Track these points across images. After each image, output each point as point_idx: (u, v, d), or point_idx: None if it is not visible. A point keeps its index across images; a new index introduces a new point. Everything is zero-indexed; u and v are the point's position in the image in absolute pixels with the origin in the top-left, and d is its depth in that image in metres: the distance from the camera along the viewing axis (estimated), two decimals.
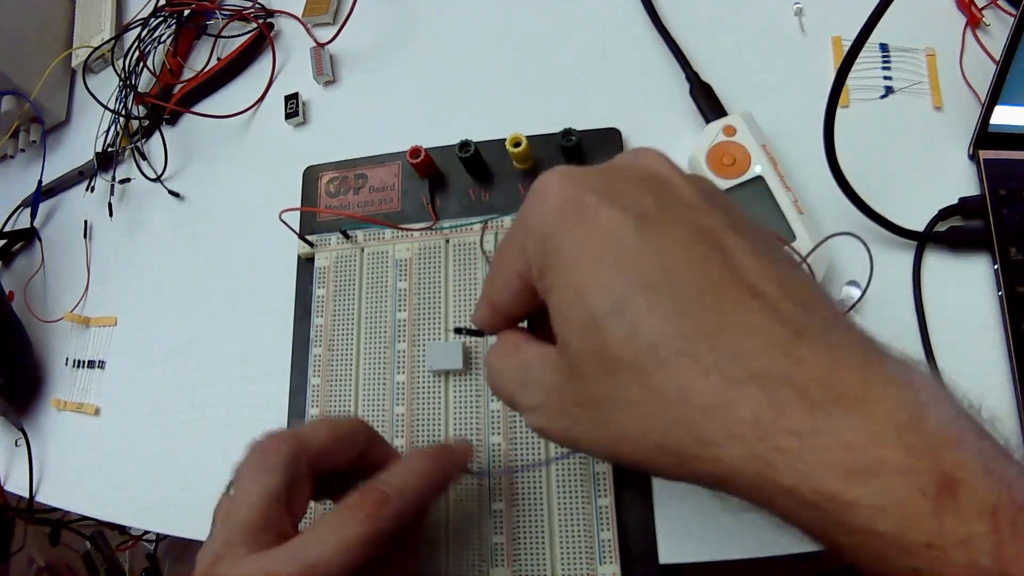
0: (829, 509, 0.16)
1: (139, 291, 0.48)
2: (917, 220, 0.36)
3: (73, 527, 0.61)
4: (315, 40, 0.49)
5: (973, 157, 0.37)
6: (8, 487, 0.46)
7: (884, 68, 0.40)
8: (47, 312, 0.50)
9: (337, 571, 0.24)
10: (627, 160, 0.23)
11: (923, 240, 0.35)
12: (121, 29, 0.56)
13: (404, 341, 0.38)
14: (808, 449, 0.16)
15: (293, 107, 0.48)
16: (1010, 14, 0.40)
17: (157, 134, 0.51)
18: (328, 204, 0.43)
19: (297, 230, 0.42)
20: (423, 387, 0.37)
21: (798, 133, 0.38)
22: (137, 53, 0.52)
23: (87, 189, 0.52)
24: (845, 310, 0.34)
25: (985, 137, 0.36)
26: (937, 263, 0.35)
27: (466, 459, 0.31)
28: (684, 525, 0.33)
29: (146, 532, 0.76)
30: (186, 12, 0.53)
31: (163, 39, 0.53)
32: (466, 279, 0.38)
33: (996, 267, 0.34)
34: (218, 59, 0.52)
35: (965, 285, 0.35)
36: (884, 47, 0.40)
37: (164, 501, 0.41)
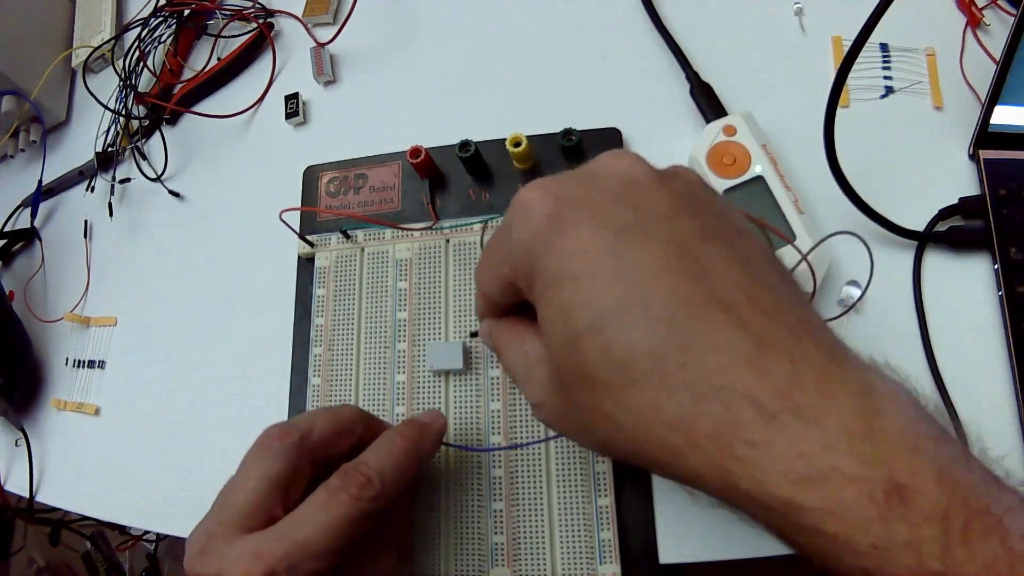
0: (784, 512, 0.17)
1: (139, 291, 0.48)
2: (917, 220, 0.36)
3: (73, 527, 0.60)
4: (315, 40, 0.49)
5: (973, 157, 0.37)
6: (8, 487, 0.46)
7: (884, 68, 0.40)
8: (47, 312, 0.50)
9: (323, 550, 0.25)
10: (605, 166, 0.23)
11: (923, 240, 0.35)
12: (121, 29, 0.56)
13: (404, 341, 0.38)
14: (764, 458, 0.17)
15: (293, 107, 0.48)
16: (1010, 14, 0.40)
17: (157, 134, 0.51)
18: (328, 204, 0.43)
19: (297, 230, 0.42)
20: (423, 387, 0.37)
21: (798, 133, 0.38)
22: (137, 53, 0.52)
23: (87, 189, 0.52)
24: (845, 309, 0.34)
25: (985, 137, 0.36)
26: (937, 263, 0.35)
27: (440, 434, 0.32)
28: (684, 525, 0.33)
29: (146, 532, 0.76)
30: (186, 12, 0.53)
31: (163, 39, 0.53)
32: (466, 279, 0.38)
33: (996, 267, 0.34)
34: (218, 59, 0.52)
35: (965, 285, 0.35)
36: (884, 47, 0.40)
37: (164, 501, 0.41)
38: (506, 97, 0.45)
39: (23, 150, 0.56)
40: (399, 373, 0.38)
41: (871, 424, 0.17)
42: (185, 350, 0.45)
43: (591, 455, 0.33)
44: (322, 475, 0.28)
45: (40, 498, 0.45)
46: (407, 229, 0.40)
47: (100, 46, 0.55)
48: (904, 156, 0.38)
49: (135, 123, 0.52)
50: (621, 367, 0.19)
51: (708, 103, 0.39)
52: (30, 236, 0.53)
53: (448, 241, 0.40)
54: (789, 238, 0.33)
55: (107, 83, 0.54)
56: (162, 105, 0.51)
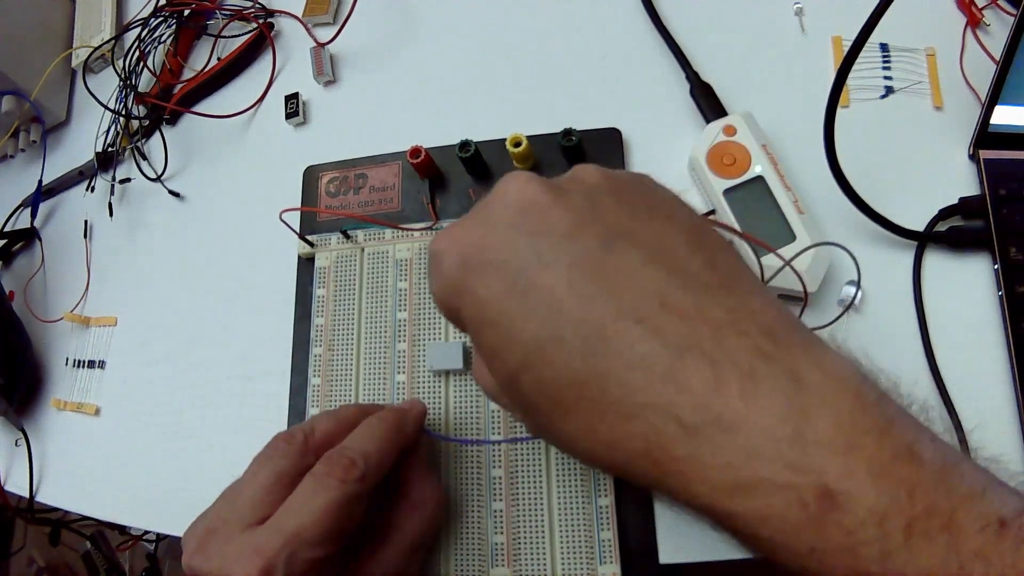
0: (722, 520, 0.18)
1: (139, 291, 0.48)
2: (917, 220, 0.36)
3: (73, 527, 0.61)
4: (315, 40, 0.49)
5: (973, 157, 0.37)
6: (8, 487, 0.46)
7: (884, 68, 0.40)
8: (47, 312, 0.50)
9: (318, 537, 0.25)
10: (501, 195, 0.22)
11: (923, 240, 0.35)
12: (121, 29, 0.56)
13: (404, 341, 0.38)
14: (693, 471, 0.18)
15: (293, 107, 0.48)
16: (1010, 14, 0.40)
17: (157, 134, 0.51)
18: (328, 204, 0.43)
19: (297, 230, 0.42)
20: (423, 387, 0.37)
21: (798, 133, 0.38)
22: (137, 53, 0.52)
23: (87, 189, 0.52)
24: (843, 309, 0.34)
25: (985, 137, 0.36)
26: (937, 263, 0.35)
27: (420, 417, 0.32)
28: (684, 525, 0.33)
29: (146, 532, 0.76)
30: (186, 12, 0.53)
31: (163, 39, 0.53)
32: None
33: (996, 267, 0.34)
34: (218, 59, 0.52)
35: (965, 285, 0.35)
36: (884, 47, 0.40)
37: (164, 501, 0.41)
38: (506, 97, 0.45)
39: (23, 150, 0.56)
40: (399, 373, 0.38)
41: (799, 426, 0.17)
42: (185, 350, 0.45)
43: None
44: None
45: (40, 498, 0.45)
46: (407, 229, 0.40)
47: (100, 46, 0.55)
48: (904, 156, 0.38)
49: (135, 123, 0.52)
50: (554, 399, 0.20)
51: (708, 103, 0.39)
52: (30, 236, 0.53)
53: None
54: (770, 247, 0.32)
55: (107, 83, 0.54)
56: (162, 105, 0.51)
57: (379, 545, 0.29)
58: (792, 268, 0.30)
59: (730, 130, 0.37)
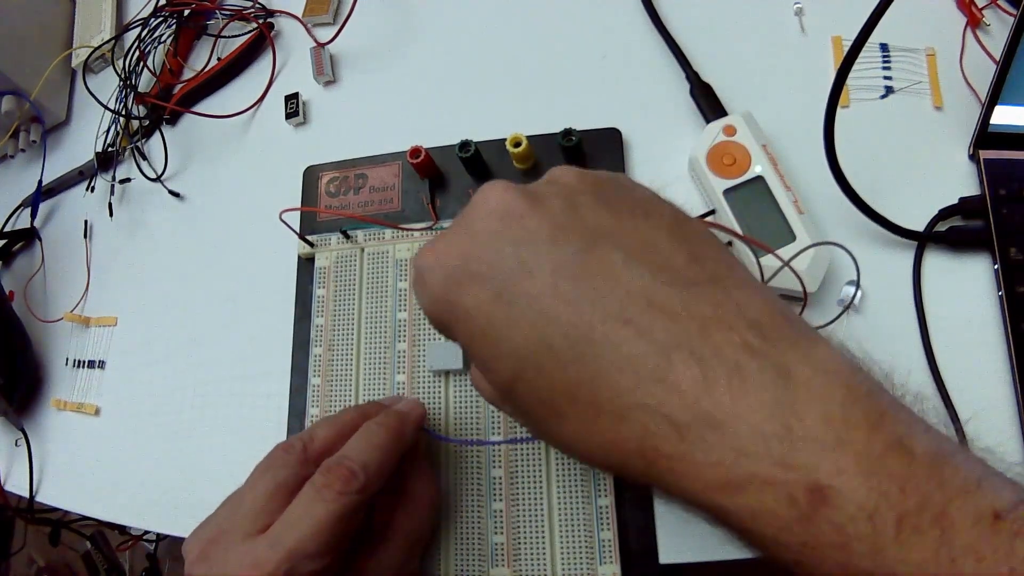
0: (716, 515, 0.18)
1: (139, 291, 0.48)
2: (917, 220, 0.36)
3: (73, 527, 0.61)
4: (315, 40, 0.49)
5: (973, 157, 0.37)
6: (8, 487, 0.46)
7: (884, 68, 0.40)
8: (47, 312, 0.50)
9: (317, 550, 0.25)
10: (479, 206, 0.22)
11: (923, 240, 0.35)
12: (121, 29, 0.56)
13: (404, 341, 0.38)
14: (685, 469, 0.18)
15: (293, 107, 0.48)
16: (1010, 14, 0.40)
17: (157, 134, 0.51)
18: (328, 204, 0.43)
19: (297, 230, 0.42)
20: (423, 387, 0.37)
21: (798, 133, 0.38)
22: (137, 53, 0.52)
23: (87, 189, 0.52)
24: (843, 309, 0.34)
25: (985, 137, 0.36)
26: (937, 263, 0.35)
27: (419, 421, 0.32)
28: (684, 525, 0.33)
29: (146, 532, 0.76)
30: (186, 12, 0.53)
31: (163, 39, 0.53)
32: None
33: (996, 267, 0.34)
34: (218, 59, 0.52)
35: (965, 285, 0.35)
36: (884, 47, 0.40)
37: (164, 501, 0.41)
38: (506, 97, 0.45)
39: (23, 150, 0.56)
40: (399, 373, 0.38)
41: (788, 422, 0.17)
42: (185, 350, 0.45)
43: None
44: None
45: (40, 498, 0.45)
46: (407, 229, 0.40)
47: (100, 46, 0.55)
48: (904, 156, 0.38)
49: (135, 123, 0.52)
50: (549, 404, 0.20)
51: (708, 103, 0.39)
52: (30, 236, 0.53)
53: None
54: (769, 248, 0.32)
55: (107, 83, 0.54)
56: (162, 105, 0.51)
57: (378, 544, 0.29)
58: (791, 268, 0.30)
59: (730, 130, 0.37)
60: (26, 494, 0.45)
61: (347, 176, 0.44)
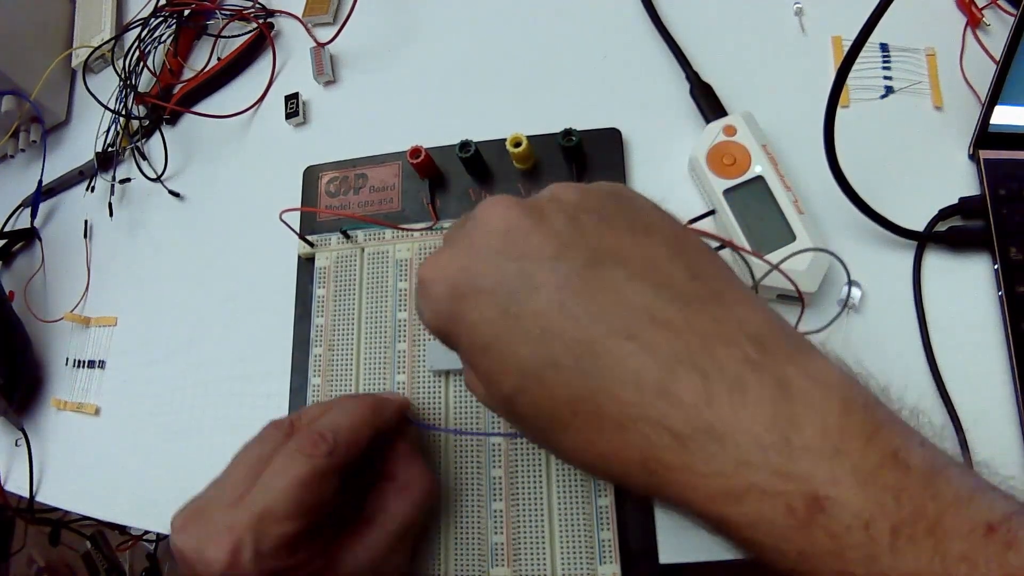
0: (717, 524, 0.18)
1: (139, 291, 0.48)
2: (917, 220, 0.36)
3: (73, 527, 0.61)
4: (315, 40, 0.49)
5: (973, 157, 0.37)
6: (8, 487, 0.46)
7: (884, 68, 0.40)
8: (47, 312, 0.50)
9: (286, 513, 0.26)
10: (483, 223, 0.23)
11: (923, 240, 0.35)
12: (121, 29, 0.56)
13: (404, 341, 0.38)
14: (687, 479, 0.18)
15: (293, 107, 0.48)
16: (1010, 14, 0.40)
17: (157, 134, 0.51)
18: (328, 204, 0.43)
19: (297, 230, 0.42)
20: (423, 387, 0.37)
21: (798, 133, 0.37)
22: (137, 53, 0.52)
23: (87, 189, 0.52)
24: (841, 309, 0.34)
25: (985, 137, 0.36)
26: (937, 263, 0.35)
27: (401, 405, 0.33)
28: (684, 525, 0.33)
29: (146, 532, 0.76)
30: (186, 12, 0.53)
31: (163, 39, 0.53)
32: None
33: (996, 267, 0.34)
34: (218, 59, 0.52)
35: (965, 285, 0.35)
36: (884, 47, 0.40)
37: (164, 501, 0.41)
38: (506, 97, 0.45)
39: (23, 150, 0.56)
40: (399, 373, 0.38)
41: (786, 433, 0.17)
42: (185, 350, 0.45)
43: None
44: (349, 477, 0.29)
45: (40, 498, 0.45)
46: (407, 229, 0.40)
47: (100, 46, 0.55)
48: (904, 156, 0.38)
49: (135, 123, 0.52)
50: (551, 416, 0.20)
51: (708, 103, 0.39)
52: (30, 236, 0.53)
53: None
54: (757, 253, 0.32)
55: (107, 83, 0.53)
56: (162, 105, 0.51)
57: (364, 527, 0.29)
58: (781, 271, 0.30)
59: (730, 130, 0.37)
60: (26, 494, 0.45)
61: (347, 176, 0.44)
